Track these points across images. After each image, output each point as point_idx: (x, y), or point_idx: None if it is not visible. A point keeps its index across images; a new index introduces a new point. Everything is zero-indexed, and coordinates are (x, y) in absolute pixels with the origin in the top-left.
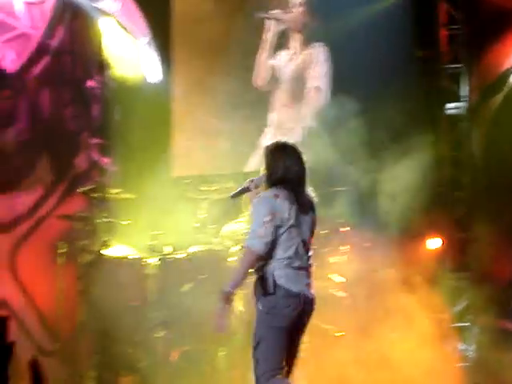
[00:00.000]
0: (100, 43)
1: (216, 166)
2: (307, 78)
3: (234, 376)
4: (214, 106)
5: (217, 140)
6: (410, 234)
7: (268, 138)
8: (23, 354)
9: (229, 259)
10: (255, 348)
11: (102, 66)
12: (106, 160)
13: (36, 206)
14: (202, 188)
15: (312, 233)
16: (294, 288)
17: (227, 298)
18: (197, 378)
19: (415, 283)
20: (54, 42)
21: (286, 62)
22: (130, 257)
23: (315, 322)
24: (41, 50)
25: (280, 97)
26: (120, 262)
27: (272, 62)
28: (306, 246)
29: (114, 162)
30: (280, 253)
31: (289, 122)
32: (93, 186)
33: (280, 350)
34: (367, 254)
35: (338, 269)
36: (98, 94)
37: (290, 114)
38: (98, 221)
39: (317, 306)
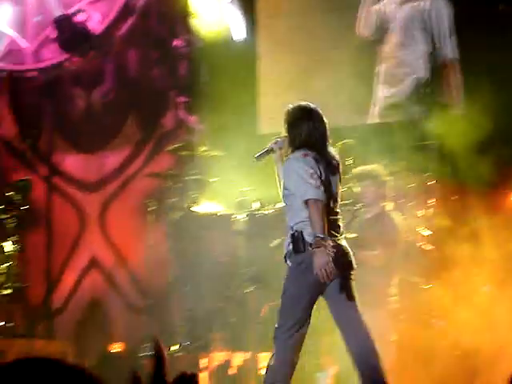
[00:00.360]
0: (185, 2)
1: None
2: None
3: (324, 329)
4: (301, 63)
5: (303, 97)
6: (497, 187)
7: (376, 92)
8: (114, 311)
9: None
10: (283, 294)
11: (187, 25)
12: (192, 118)
13: (124, 165)
14: None
15: (339, 192)
16: (335, 248)
17: (324, 244)
18: None
19: (502, 236)
20: (140, 2)
21: (395, 7)
22: (218, 213)
23: (403, 275)
24: (126, 11)
25: (389, 46)
26: (209, 218)
27: (379, 7)
28: (335, 203)
29: (201, 119)
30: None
31: (398, 73)
32: (180, 144)
33: (303, 307)
34: (454, 207)
35: (425, 222)
36: (184, 52)
37: (399, 64)
38: (186, 178)
39: (405, 259)
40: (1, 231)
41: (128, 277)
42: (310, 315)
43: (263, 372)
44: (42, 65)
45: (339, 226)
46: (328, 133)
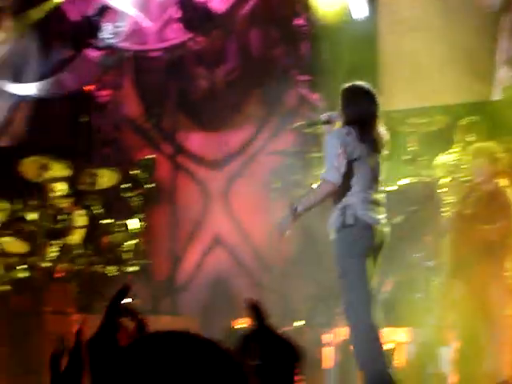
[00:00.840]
0: None
1: (423, 99)
2: None
3: (445, 304)
4: (421, 40)
5: (424, 74)
6: None
7: (499, 68)
8: (238, 288)
9: (439, 190)
10: (340, 278)
11: (308, 4)
12: (314, 96)
13: (248, 142)
14: (410, 121)
15: (379, 169)
16: (369, 220)
17: (293, 215)
18: (409, 308)
19: None
20: None
21: None
22: None
23: None
24: None
25: None
26: None
27: None
28: (375, 181)
29: (322, 97)
30: (355, 187)
31: None
32: (303, 122)
33: (364, 279)
34: None
35: None
36: (305, 31)
37: None
38: (309, 156)
39: None
40: (127, 209)
41: (252, 253)
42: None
43: (388, 346)
44: (165, 45)
45: (378, 203)
46: (378, 113)
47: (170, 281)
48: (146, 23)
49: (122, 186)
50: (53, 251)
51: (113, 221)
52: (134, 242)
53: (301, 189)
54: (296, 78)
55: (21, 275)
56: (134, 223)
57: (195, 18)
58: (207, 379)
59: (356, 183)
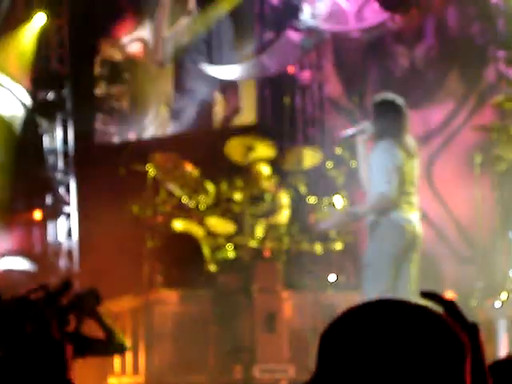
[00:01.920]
0: None
1: None
2: None
3: None
4: None
5: None
6: None
7: None
8: (443, 262)
9: None
10: (365, 266)
11: None
12: None
13: (449, 118)
14: None
15: (417, 175)
16: (400, 220)
17: (348, 215)
18: None
19: None
20: None
21: None
22: None
23: None
24: None
25: None
26: None
27: None
28: (410, 185)
29: None
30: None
31: None
32: (503, 97)
33: (386, 274)
34: None
35: None
36: (502, 9)
37: None
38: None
39: None
40: (330, 188)
41: (455, 229)
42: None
43: None
44: (364, 25)
45: (415, 206)
46: (407, 124)
47: None
48: (345, 4)
49: (326, 166)
50: (259, 231)
51: (317, 199)
52: None
53: (503, 163)
54: (494, 54)
55: (228, 255)
56: (338, 201)
57: None
58: (425, 344)
59: None
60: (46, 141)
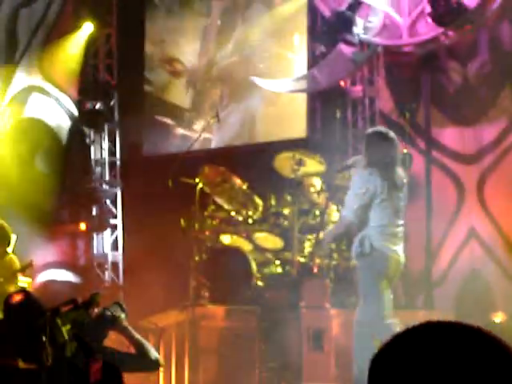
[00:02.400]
0: None
1: None
2: None
3: None
4: None
5: None
6: None
7: None
8: (493, 281)
9: None
10: (365, 300)
11: None
12: None
13: (501, 136)
14: None
15: (404, 206)
16: (385, 250)
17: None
18: None
19: None
20: None
21: None
22: None
23: None
24: None
25: None
26: None
27: None
28: (398, 216)
29: None
30: (375, 221)
31: None
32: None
33: (382, 299)
34: None
35: None
36: None
37: None
38: None
39: None
40: None
41: (505, 246)
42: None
43: None
44: (417, 39)
45: (400, 237)
46: (397, 156)
47: (425, 276)
48: (398, 18)
49: None
50: (308, 246)
51: None
52: None
53: None
54: None
55: (276, 270)
56: None
57: (447, 12)
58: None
59: (375, 217)
60: (93, 152)
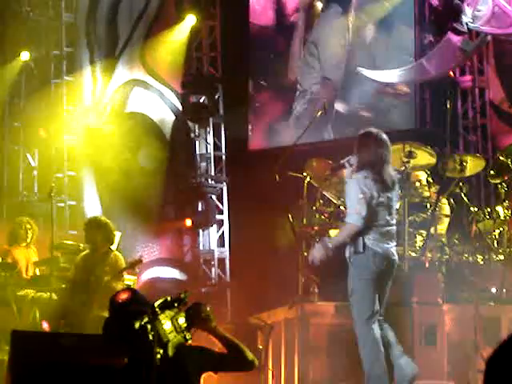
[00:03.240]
0: None
1: None
2: None
3: None
4: None
5: None
6: None
7: None
8: None
9: None
10: (350, 296)
11: None
12: None
13: None
14: None
15: (396, 205)
16: (378, 249)
17: (326, 248)
18: None
19: None
20: None
21: None
22: None
23: None
24: None
25: None
26: None
27: None
28: (391, 215)
29: None
30: (369, 221)
31: None
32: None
33: (367, 299)
34: None
35: None
36: None
37: None
38: None
39: None
40: (493, 196)
41: None
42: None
43: None
44: None
45: (392, 236)
46: (390, 156)
47: None
48: (508, 7)
49: (489, 173)
50: (419, 240)
51: (478, 208)
52: (499, 230)
53: None
54: None
55: None
56: (500, 210)
57: None
58: None
59: (370, 218)
60: (198, 146)
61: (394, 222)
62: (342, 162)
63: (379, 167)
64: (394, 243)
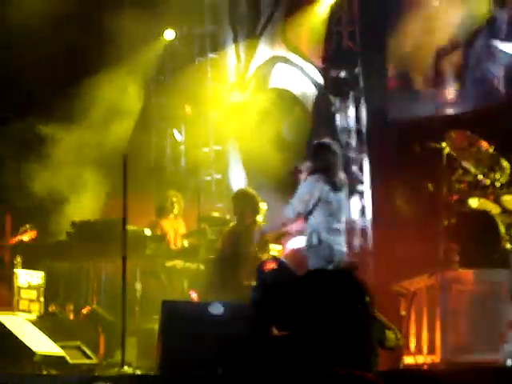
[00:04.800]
0: None
1: None
2: None
3: None
4: None
5: None
6: None
7: None
8: None
9: None
10: None
11: None
12: None
13: None
14: None
15: (345, 204)
16: (330, 242)
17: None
18: None
19: None
20: None
21: None
22: None
23: None
24: None
25: None
26: None
27: None
28: (340, 213)
29: None
30: (321, 217)
31: None
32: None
33: None
34: None
35: None
36: None
37: None
38: None
39: None
40: None
41: None
42: None
43: None
44: None
45: (340, 231)
46: (339, 162)
47: None
48: None
49: None
50: None
51: None
52: None
53: None
54: None
55: None
56: None
57: None
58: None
59: (321, 215)
60: (339, 119)
61: (344, 219)
62: (299, 167)
63: (329, 172)
64: (343, 237)
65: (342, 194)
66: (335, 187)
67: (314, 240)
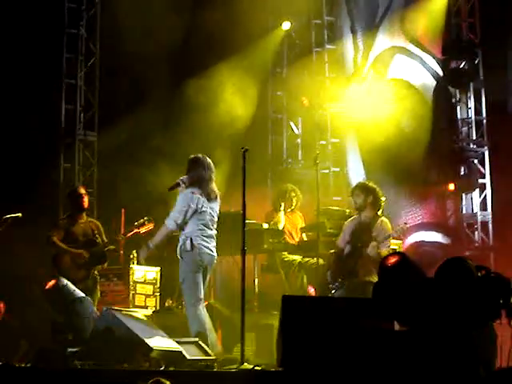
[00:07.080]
0: None
1: None
2: None
3: None
4: None
5: None
6: None
7: None
8: None
9: None
10: (181, 284)
11: None
12: None
13: None
14: None
15: (217, 214)
16: (202, 248)
17: (148, 248)
18: None
19: None
20: None
21: None
22: None
23: None
24: None
25: None
26: None
27: None
28: (212, 222)
29: None
30: (195, 226)
31: None
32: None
33: (194, 287)
34: None
35: None
36: None
37: None
38: None
39: None
40: None
41: None
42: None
43: None
44: None
45: (213, 237)
46: (213, 175)
47: None
48: None
49: None
50: None
51: None
52: None
53: None
54: None
55: None
56: None
57: None
58: None
59: (195, 223)
60: (459, 111)
61: (215, 226)
62: (177, 181)
63: (205, 184)
64: (214, 243)
65: (215, 204)
66: (209, 197)
67: (188, 245)
